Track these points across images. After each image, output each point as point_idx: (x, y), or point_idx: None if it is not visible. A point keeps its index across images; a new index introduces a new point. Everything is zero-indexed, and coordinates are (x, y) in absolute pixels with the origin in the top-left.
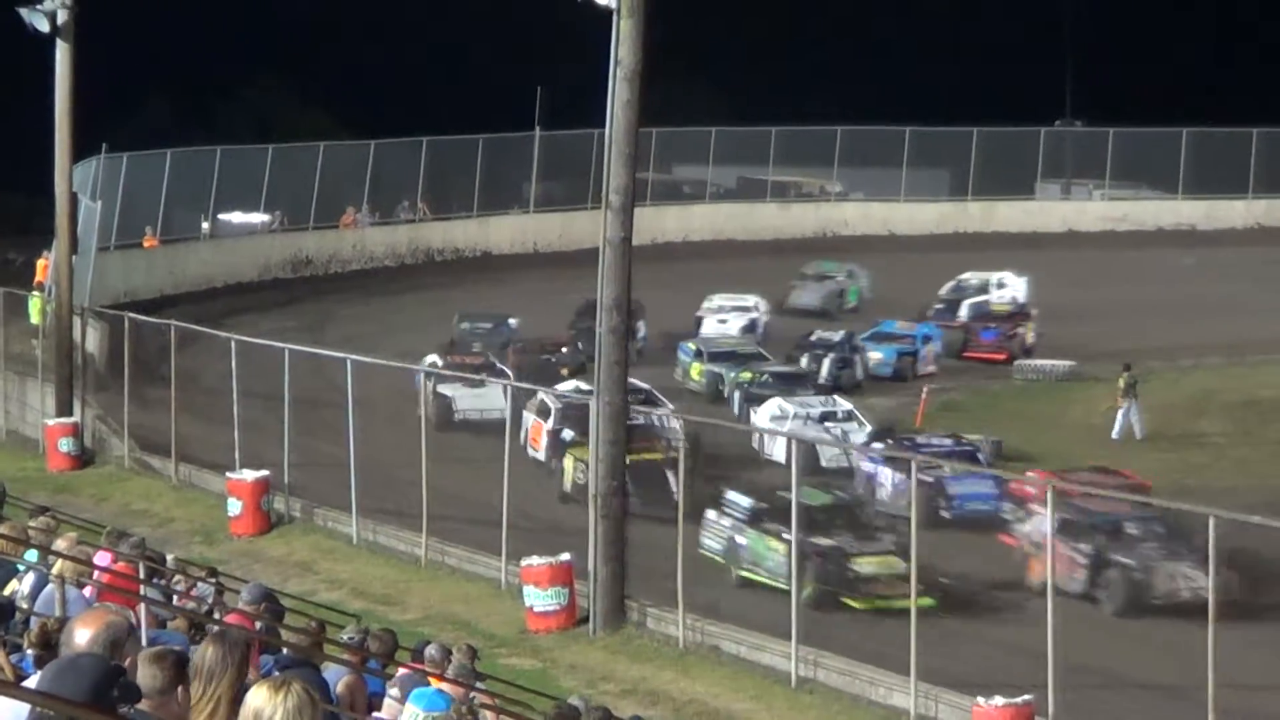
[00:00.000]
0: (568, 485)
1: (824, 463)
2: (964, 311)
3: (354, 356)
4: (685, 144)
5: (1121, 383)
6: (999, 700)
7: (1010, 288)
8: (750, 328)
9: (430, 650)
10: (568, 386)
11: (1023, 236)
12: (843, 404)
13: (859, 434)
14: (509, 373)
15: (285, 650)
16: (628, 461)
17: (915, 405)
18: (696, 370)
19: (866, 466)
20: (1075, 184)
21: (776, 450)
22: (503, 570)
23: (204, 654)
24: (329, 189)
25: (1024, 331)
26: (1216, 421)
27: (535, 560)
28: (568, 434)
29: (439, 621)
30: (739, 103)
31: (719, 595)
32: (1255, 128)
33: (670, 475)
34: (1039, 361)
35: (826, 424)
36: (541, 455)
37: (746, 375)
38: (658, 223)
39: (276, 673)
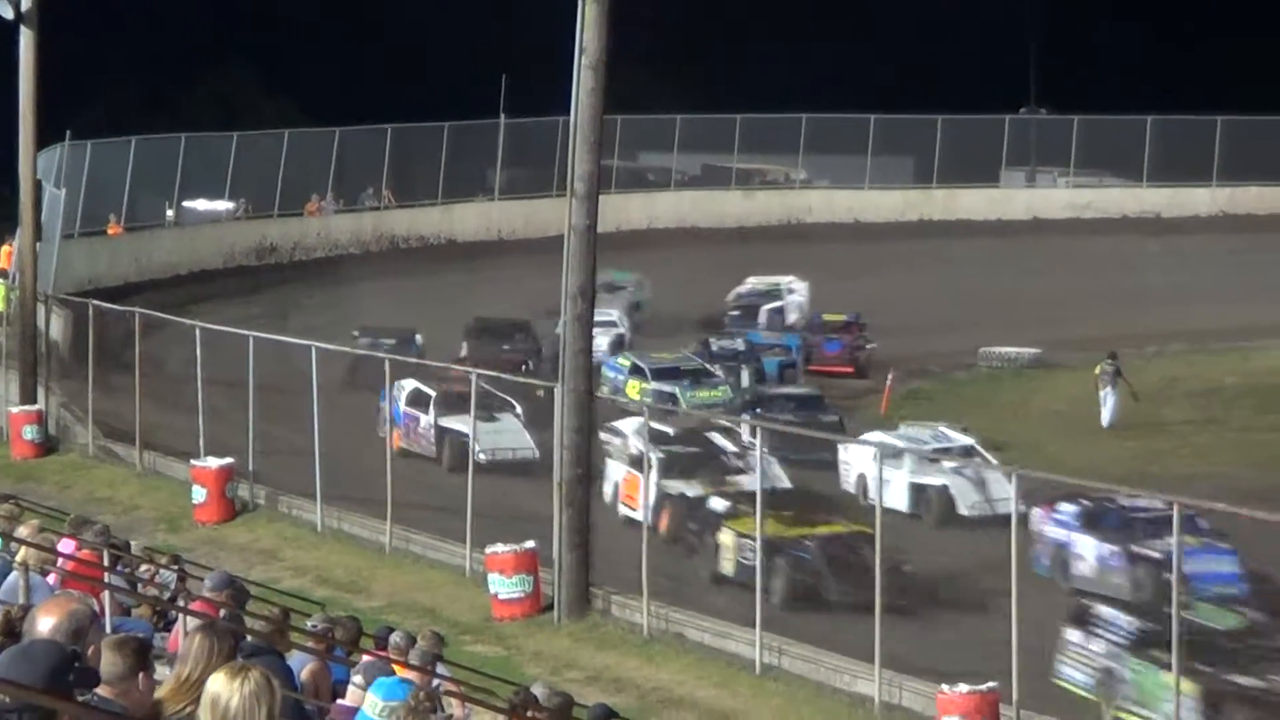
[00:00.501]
0: (727, 568)
1: (964, 510)
2: (762, 319)
3: (319, 344)
4: (650, 131)
5: (1098, 369)
6: (963, 688)
7: (798, 293)
8: (619, 343)
9: (394, 637)
10: (629, 424)
11: (987, 224)
12: (957, 437)
13: (997, 477)
14: (513, 403)
15: (249, 638)
16: (805, 536)
17: (873, 397)
18: (636, 389)
19: (1050, 530)
20: (1040, 171)
21: (888, 497)
22: (467, 558)
23: (190, 643)
24: (294, 176)
25: (863, 342)
26: (1180, 409)
27: (500, 548)
28: (718, 503)
29: (403, 609)
30: (704, 90)
31: (683, 583)
32: (1219, 115)
33: (870, 554)
34: (1004, 349)
35: (941, 463)
36: (643, 516)
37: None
38: (622, 210)
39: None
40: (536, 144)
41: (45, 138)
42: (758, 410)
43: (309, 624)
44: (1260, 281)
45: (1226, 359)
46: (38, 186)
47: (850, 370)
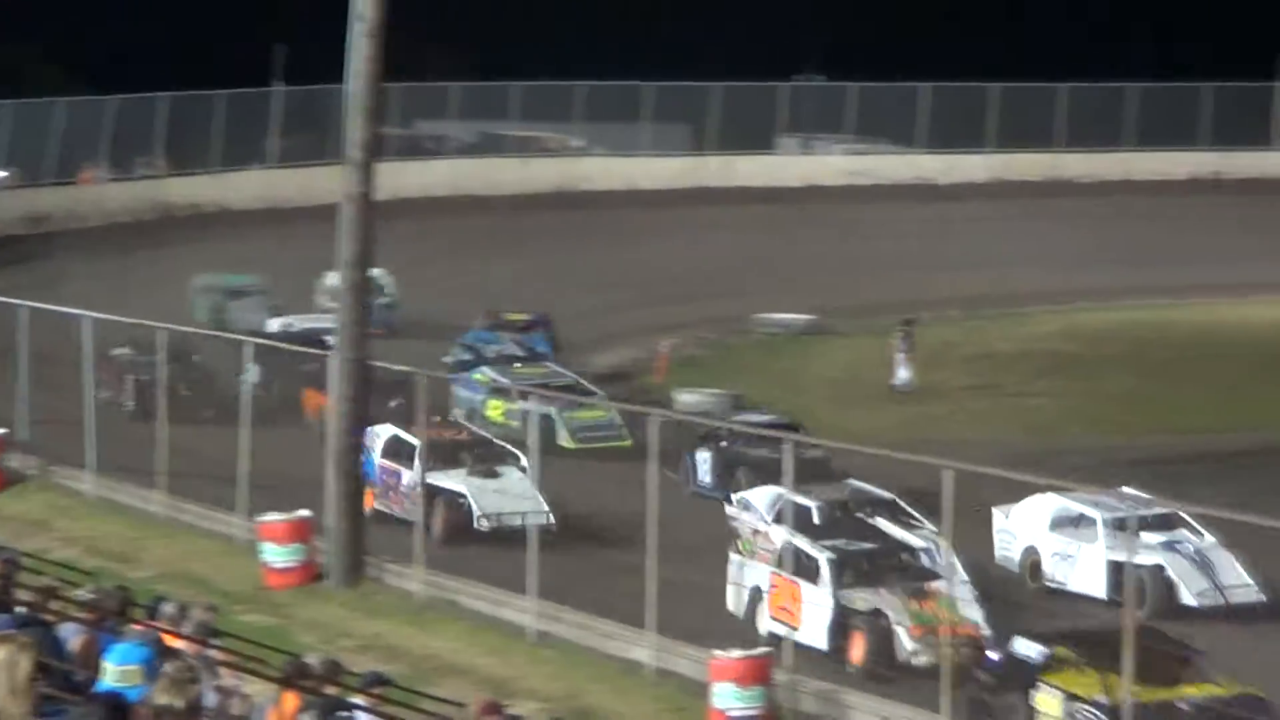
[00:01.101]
0: None
1: (1190, 599)
2: (377, 316)
3: (93, 314)
4: (427, 99)
5: (895, 337)
6: (736, 652)
7: (389, 287)
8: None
9: (166, 607)
10: (761, 497)
11: (763, 191)
12: (1141, 496)
13: (1224, 556)
14: (517, 455)
15: (17, 609)
16: (1171, 701)
17: (649, 361)
18: (498, 410)
19: None
20: (815, 139)
21: (1073, 578)
22: (240, 527)
23: None
24: (68, 145)
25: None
26: (956, 374)
27: (273, 516)
28: (1035, 650)
29: (175, 579)
30: (482, 58)
31: (458, 550)
32: (993, 82)
33: None
34: (779, 315)
35: (1145, 533)
36: (813, 638)
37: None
38: (399, 178)
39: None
40: (314, 112)
41: None
42: (724, 445)
43: (78, 594)
44: (1033, 247)
45: (1001, 324)
46: None
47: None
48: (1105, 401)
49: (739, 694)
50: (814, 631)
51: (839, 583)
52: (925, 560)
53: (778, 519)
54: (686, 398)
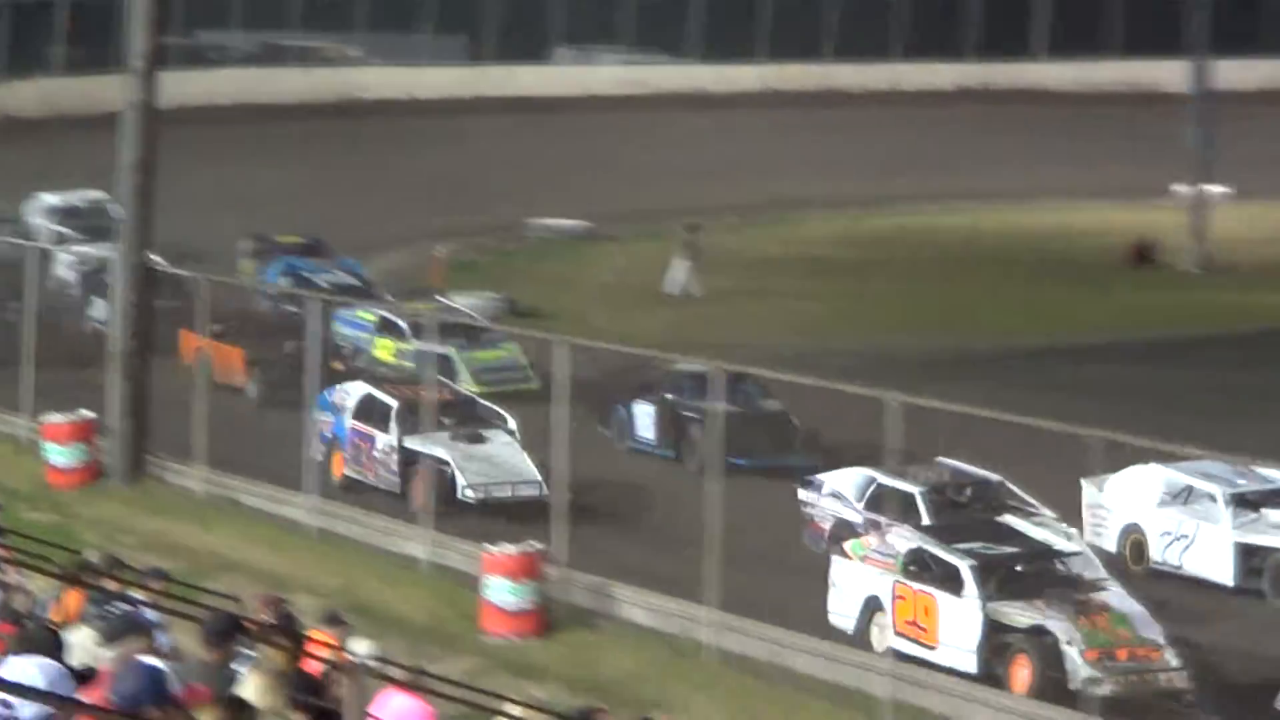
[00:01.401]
0: None
1: None
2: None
3: None
4: (208, 9)
5: (681, 241)
6: (510, 548)
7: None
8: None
9: None
10: (844, 481)
11: (540, 100)
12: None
13: None
14: (505, 417)
15: None
16: None
17: (425, 266)
18: (389, 350)
19: None
20: (592, 49)
21: (1189, 561)
22: (24, 427)
23: None
24: None
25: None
26: (730, 279)
27: (56, 417)
28: None
29: None
30: None
31: (239, 449)
32: None
33: None
34: (553, 221)
35: (1269, 510)
36: (956, 659)
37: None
38: (181, 88)
39: None
40: (98, 21)
41: None
42: (669, 399)
43: None
44: (806, 156)
45: (773, 231)
46: None
47: None
48: (876, 305)
49: (512, 588)
50: (957, 652)
51: (986, 594)
52: (1073, 565)
53: (871, 508)
54: (460, 301)
